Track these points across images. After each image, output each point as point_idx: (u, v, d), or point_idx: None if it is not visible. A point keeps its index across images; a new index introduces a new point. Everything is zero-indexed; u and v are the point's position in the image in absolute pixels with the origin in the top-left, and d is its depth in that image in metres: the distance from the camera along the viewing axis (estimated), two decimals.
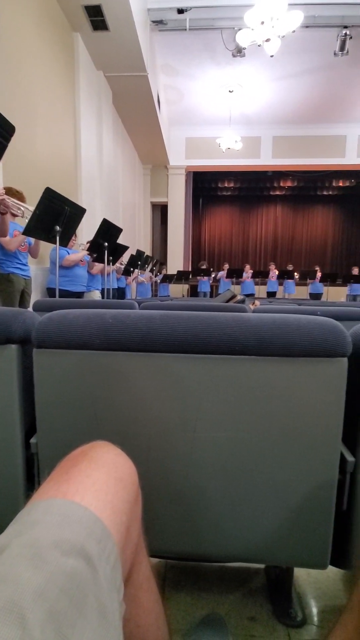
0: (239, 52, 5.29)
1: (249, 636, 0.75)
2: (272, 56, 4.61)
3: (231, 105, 7.40)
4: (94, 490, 0.34)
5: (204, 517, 0.65)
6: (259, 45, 4.48)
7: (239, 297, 2.01)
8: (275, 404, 0.60)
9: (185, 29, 5.08)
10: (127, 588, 0.42)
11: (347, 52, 5.21)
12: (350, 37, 5.04)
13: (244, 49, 5.19)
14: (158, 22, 5.05)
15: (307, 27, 4.90)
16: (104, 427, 0.63)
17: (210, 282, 8.62)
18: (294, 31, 4.30)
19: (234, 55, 5.43)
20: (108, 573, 0.30)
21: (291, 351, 0.58)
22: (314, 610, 0.82)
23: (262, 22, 4.12)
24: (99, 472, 0.36)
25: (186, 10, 4.83)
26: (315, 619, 0.80)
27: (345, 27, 4.94)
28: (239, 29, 4.67)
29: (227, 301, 1.96)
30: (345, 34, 4.99)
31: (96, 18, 4.01)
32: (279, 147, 8.88)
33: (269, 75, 6.42)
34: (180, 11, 4.84)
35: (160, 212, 10.37)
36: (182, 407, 0.61)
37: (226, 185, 11.24)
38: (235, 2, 4.82)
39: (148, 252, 9.20)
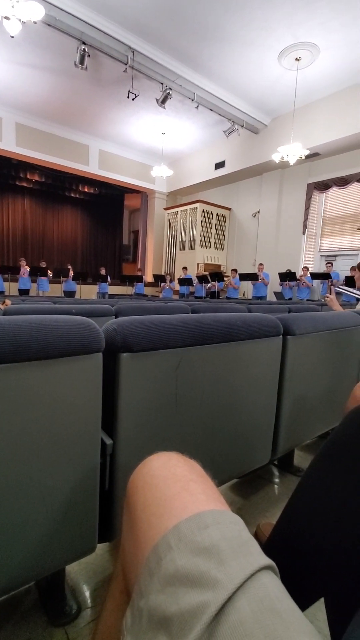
0: None
1: None
2: (12, 37, 4.27)
3: None
4: None
5: None
6: None
7: None
8: (38, 410, 0.58)
9: None
10: None
11: (86, 68, 5.59)
12: (89, 55, 5.45)
13: None
14: None
15: (49, 25, 4.87)
16: None
17: None
18: (35, 22, 4.16)
19: None
20: None
21: (50, 353, 0.58)
22: (87, 594, 0.87)
23: None
24: None
25: None
26: (89, 601, 0.84)
27: (84, 43, 5.28)
28: None
29: None
30: (84, 50, 5.33)
31: None
32: (24, 136, 8.36)
33: (10, 56, 5.89)
34: None
35: None
36: None
37: None
38: None
39: None
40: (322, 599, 0.55)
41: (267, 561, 0.29)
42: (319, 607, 0.56)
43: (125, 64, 5.69)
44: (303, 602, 0.53)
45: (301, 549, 0.54)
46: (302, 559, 0.54)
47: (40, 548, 0.63)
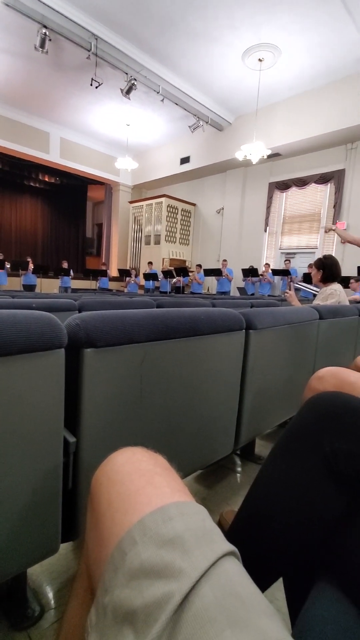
0: None
1: None
2: None
3: None
4: None
5: None
6: None
7: None
8: None
9: None
10: None
11: (47, 52, 5.32)
12: (50, 39, 5.18)
13: None
14: None
15: (8, 6, 4.59)
16: None
17: None
18: None
19: None
20: None
21: (8, 349, 0.55)
22: (51, 595, 0.85)
23: None
24: None
25: None
26: (52, 602, 0.82)
27: (46, 27, 5.02)
28: None
29: None
30: (45, 33, 5.06)
31: None
32: None
33: None
34: None
35: None
36: None
37: None
38: None
39: None
40: (281, 580, 0.58)
41: (230, 547, 0.30)
42: (279, 588, 0.59)
43: (89, 51, 5.49)
44: (263, 583, 0.56)
45: (261, 533, 0.57)
46: (262, 543, 0.56)
47: (2, 550, 0.60)
